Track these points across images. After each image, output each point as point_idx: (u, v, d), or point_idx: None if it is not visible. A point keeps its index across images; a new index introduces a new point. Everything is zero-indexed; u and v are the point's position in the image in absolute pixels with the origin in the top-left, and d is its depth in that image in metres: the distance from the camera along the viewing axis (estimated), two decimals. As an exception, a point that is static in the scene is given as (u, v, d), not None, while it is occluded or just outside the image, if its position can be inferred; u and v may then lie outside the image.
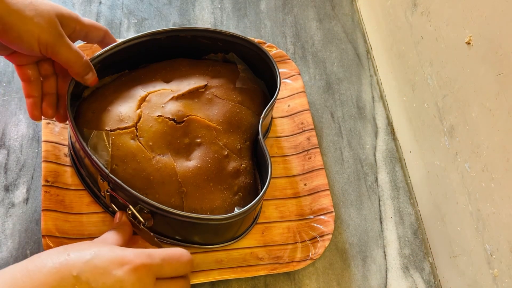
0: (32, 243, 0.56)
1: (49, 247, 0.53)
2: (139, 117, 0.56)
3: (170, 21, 0.75)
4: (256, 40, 0.71)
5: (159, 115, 0.56)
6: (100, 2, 0.75)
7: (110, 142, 0.54)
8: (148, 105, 0.57)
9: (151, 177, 0.53)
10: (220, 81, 0.62)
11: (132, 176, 0.53)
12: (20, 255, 0.55)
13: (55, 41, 0.48)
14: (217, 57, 0.66)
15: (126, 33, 0.73)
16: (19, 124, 0.63)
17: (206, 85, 0.60)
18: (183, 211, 0.53)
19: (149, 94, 0.58)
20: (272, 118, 0.68)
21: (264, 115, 0.59)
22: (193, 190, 0.54)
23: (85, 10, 0.73)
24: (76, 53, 0.50)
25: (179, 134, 0.56)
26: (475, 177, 0.55)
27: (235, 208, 0.54)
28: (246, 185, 0.58)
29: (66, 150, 0.60)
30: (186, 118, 0.57)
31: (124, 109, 0.56)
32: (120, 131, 0.55)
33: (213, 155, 0.56)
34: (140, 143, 0.54)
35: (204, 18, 0.77)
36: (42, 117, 0.55)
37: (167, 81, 0.60)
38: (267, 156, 0.56)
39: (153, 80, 0.60)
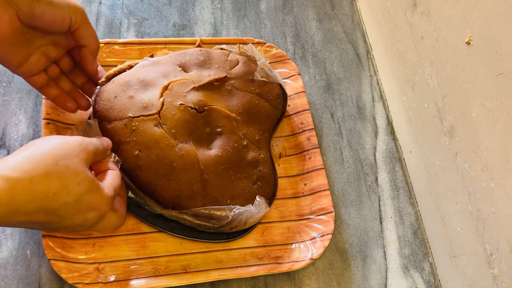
0: (32, 243, 0.56)
1: (49, 248, 0.53)
2: (162, 105, 0.57)
3: (170, 21, 0.75)
4: (256, 40, 0.71)
5: (181, 104, 0.57)
6: (100, 2, 0.75)
7: (133, 127, 0.56)
8: (170, 94, 0.58)
9: (174, 164, 0.55)
10: (239, 72, 0.63)
11: (155, 162, 0.55)
12: (20, 255, 0.55)
13: (83, 17, 0.54)
14: (235, 47, 0.67)
15: (126, 33, 0.73)
16: (19, 124, 0.63)
17: (225, 76, 0.62)
18: (204, 198, 0.55)
19: (171, 83, 0.59)
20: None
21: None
22: (214, 178, 0.56)
23: (85, 10, 0.73)
24: (95, 32, 0.56)
25: (200, 123, 0.58)
26: (475, 177, 0.55)
27: (257, 197, 0.56)
28: (265, 175, 0.59)
29: (66, 150, 0.60)
30: (207, 108, 0.59)
31: (147, 97, 0.58)
32: (144, 117, 0.56)
33: (233, 144, 0.58)
34: (164, 130, 0.56)
35: (204, 18, 0.77)
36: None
37: (186, 70, 0.62)
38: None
39: (173, 69, 0.61)
